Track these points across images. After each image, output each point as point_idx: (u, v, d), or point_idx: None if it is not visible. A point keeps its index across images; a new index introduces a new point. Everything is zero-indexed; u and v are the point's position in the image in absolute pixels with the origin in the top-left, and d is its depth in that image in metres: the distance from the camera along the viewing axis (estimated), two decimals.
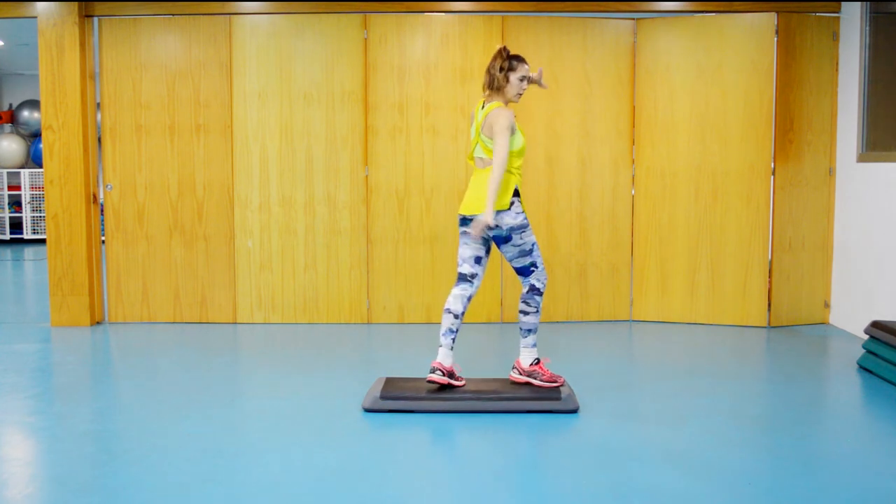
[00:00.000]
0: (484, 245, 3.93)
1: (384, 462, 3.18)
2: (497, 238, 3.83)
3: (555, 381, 3.91)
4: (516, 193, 3.83)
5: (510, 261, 3.90)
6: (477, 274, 3.94)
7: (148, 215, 5.91)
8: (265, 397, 4.08)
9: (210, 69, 5.81)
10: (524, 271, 3.89)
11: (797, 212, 5.73)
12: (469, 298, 3.91)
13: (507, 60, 3.86)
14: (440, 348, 3.86)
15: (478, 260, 3.92)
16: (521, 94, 3.93)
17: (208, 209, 5.89)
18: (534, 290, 3.89)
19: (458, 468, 3.16)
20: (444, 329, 3.88)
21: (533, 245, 3.86)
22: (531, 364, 3.95)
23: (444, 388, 3.84)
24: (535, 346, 3.96)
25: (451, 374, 3.86)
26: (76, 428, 3.57)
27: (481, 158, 3.86)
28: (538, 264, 3.89)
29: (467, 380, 4.01)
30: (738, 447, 3.34)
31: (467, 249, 3.93)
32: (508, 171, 3.80)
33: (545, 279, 3.91)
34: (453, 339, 3.88)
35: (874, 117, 5.39)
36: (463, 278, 3.93)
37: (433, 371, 3.82)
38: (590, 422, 3.65)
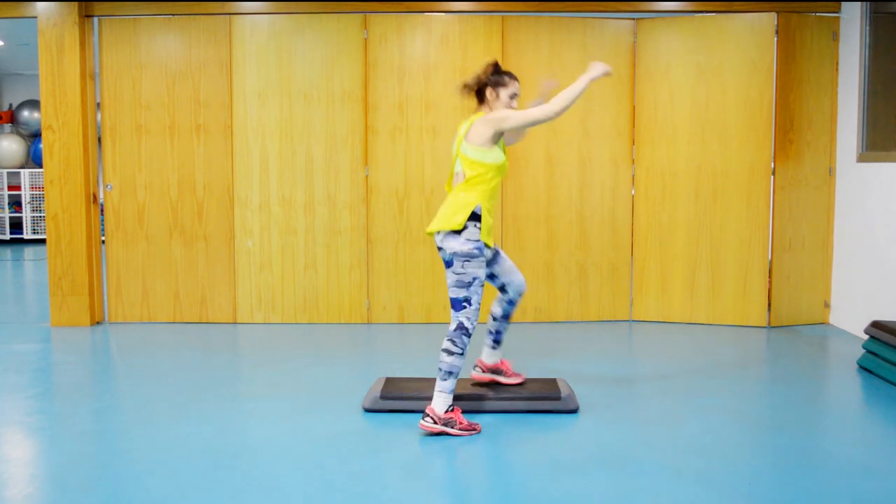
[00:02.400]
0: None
1: (384, 462, 3.17)
2: (444, 261, 3.53)
3: (473, 430, 3.50)
4: (475, 217, 3.47)
5: (448, 288, 3.52)
6: (504, 283, 3.74)
7: (148, 215, 5.91)
8: (265, 397, 4.08)
9: (210, 69, 5.81)
10: (456, 305, 3.48)
11: (797, 212, 5.72)
12: (510, 302, 3.78)
13: (500, 75, 3.59)
14: (484, 347, 3.96)
15: (490, 277, 3.73)
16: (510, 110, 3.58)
17: (208, 209, 5.89)
18: (461, 328, 3.47)
19: (457, 468, 3.16)
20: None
21: (474, 280, 3.46)
22: (446, 411, 3.47)
23: (492, 385, 3.93)
24: (451, 392, 3.49)
25: (495, 371, 3.92)
26: (76, 428, 3.57)
27: (460, 174, 3.54)
28: (472, 302, 3.47)
29: (467, 380, 4.01)
30: (738, 447, 3.34)
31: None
32: (482, 184, 3.50)
33: (475, 321, 3.50)
34: (493, 340, 3.91)
35: (874, 117, 5.39)
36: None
37: (473, 368, 3.99)
38: (590, 422, 3.65)
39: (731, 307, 5.78)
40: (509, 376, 3.92)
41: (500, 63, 3.69)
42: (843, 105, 5.65)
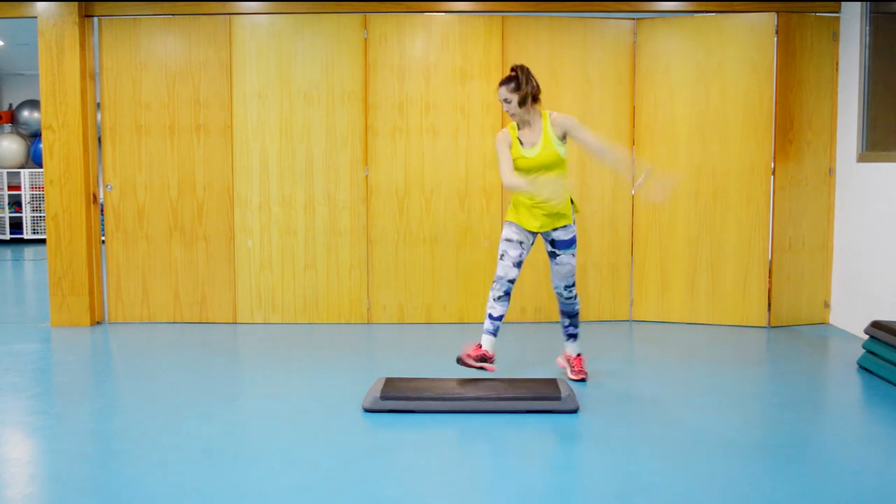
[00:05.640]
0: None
1: (384, 462, 3.18)
2: None
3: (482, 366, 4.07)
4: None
5: None
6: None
7: (148, 215, 5.91)
8: (265, 397, 4.08)
9: (210, 69, 5.81)
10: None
11: (797, 212, 5.73)
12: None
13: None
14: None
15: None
16: (514, 115, 4.07)
17: (208, 209, 5.89)
18: (495, 276, 4.16)
19: (457, 468, 3.16)
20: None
21: (503, 240, 4.17)
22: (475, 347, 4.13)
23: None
24: (488, 332, 4.10)
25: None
26: (76, 428, 3.57)
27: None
28: (504, 257, 4.13)
29: (467, 380, 4.01)
30: (738, 447, 3.34)
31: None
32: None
33: (500, 272, 4.09)
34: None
35: (874, 117, 5.39)
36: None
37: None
38: (590, 422, 3.65)
39: (731, 307, 5.78)
40: (574, 372, 4.34)
41: (507, 71, 4.21)
42: (843, 105, 5.65)
